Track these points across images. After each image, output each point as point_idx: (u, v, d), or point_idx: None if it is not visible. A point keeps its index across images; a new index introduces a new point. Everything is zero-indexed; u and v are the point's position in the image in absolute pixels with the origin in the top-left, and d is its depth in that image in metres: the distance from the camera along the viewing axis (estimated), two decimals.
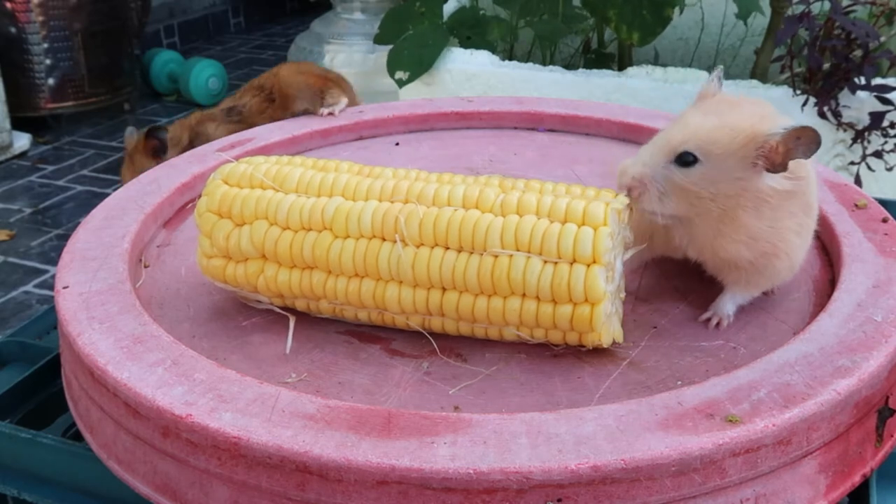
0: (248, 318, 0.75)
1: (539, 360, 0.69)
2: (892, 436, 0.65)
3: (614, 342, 0.69)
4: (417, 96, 2.03)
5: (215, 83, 3.18)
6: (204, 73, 3.14)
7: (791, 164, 0.67)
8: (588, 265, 0.65)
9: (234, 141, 1.05)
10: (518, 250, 0.66)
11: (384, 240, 0.69)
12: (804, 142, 0.65)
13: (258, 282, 0.72)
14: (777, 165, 0.66)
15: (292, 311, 0.74)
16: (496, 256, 0.66)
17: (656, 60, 2.32)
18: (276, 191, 0.71)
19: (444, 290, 0.68)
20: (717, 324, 0.72)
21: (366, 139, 1.13)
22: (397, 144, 1.11)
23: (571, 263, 0.65)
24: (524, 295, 0.67)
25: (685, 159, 0.67)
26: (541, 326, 0.68)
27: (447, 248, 0.68)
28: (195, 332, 0.73)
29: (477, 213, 0.68)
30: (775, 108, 0.73)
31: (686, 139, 0.68)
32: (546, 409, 0.60)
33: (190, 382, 0.61)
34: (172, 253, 0.85)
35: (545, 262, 0.66)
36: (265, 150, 1.04)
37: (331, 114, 1.14)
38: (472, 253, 0.67)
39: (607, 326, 0.67)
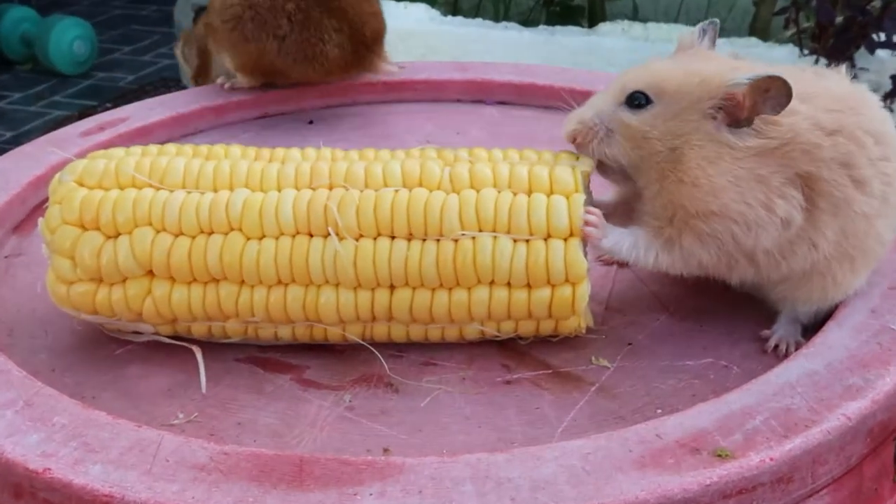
0: (122, 345, 0.74)
1: (489, 388, 0.70)
2: None
3: (590, 362, 0.72)
4: None
5: (82, 47, 3.13)
6: (67, 35, 3.10)
7: (761, 120, 0.69)
8: (565, 239, 0.69)
9: (102, 122, 1.04)
10: (482, 231, 0.68)
11: (312, 235, 0.70)
12: (773, 94, 0.68)
13: (144, 306, 0.72)
14: (741, 121, 0.69)
15: (187, 339, 0.74)
16: (457, 241, 0.69)
17: (635, 15, 2.36)
18: (158, 188, 0.71)
19: (392, 288, 0.70)
20: (784, 349, 0.73)
21: (272, 117, 1.13)
22: (311, 123, 1.11)
23: (546, 239, 0.69)
24: (492, 283, 0.70)
25: (636, 100, 0.71)
26: (512, 318, 0.71)
27: (394, 238, 0.69)
28: (55, 364, 0.72)
29: (424, 191, 0.70)
30: None
31: (637, 77, 0.72)
32: (497, 449, 0.61)
33: (48, 428, 0.61)
34: (25, 265, 0.84)
35: (515, 241, 0.69)
36: (144, 133, 1.04)
37: (231, 87, 1.14)
38: (425, 240, 0.69)
39: (586, 309, 0.72)
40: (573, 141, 0.74)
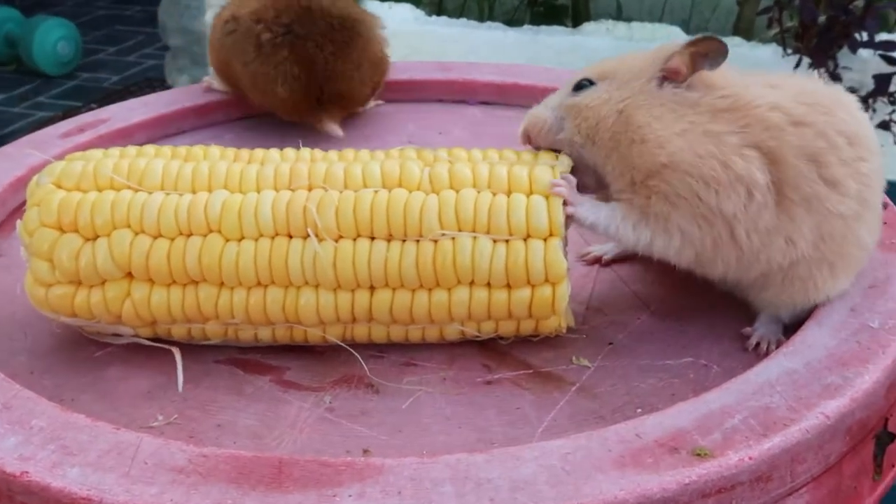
0: (102, 347, 0.74)
1: (469, 389, 0.70)
2: (893, 466, 0.68)
3: (571, 362, 0.72)
4: None
5: (66, 48, 3.13)
6: (51, 36, 3.09)
7: (703, 77, 0.71)
8: (545, 239, 0.70)
9: (82, 123, 1.04)
10: (462, 231, 0.69)
11: (291, 237, 0.70)
12: (704, 50, 0.70)
13: (123, 308, 0.71)
14: (682, 81, 0.72)
15: (166, 341, 0.74)
16: (436, 241, 0.69)
17: (619, 15, 2.37)
18: (136, 190, 0.71)
19: (372, 289, 0.70)
20: (765, 347, 0.73)
21: (254, 118, 1.12)
22: (292, 123, 1.10)
23: (526, 239, 0.70)
24: (472, 283, 0.70)
25: (580, 86, 0.74)
26: (492, 318, 0.72)
27: (373, 239, 0.69)
28: (34, 366, 0.72)
29: (404, 192, 0.70)
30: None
31: (584, 70, 0.75)
32: (477, 449, 0.61)
33: (26, 431, 0.60)
34: (4, 267, 0.84)
35: (495, 241, 0.69)
36: (125, 134, 1.04)
37: (209, 87, 1.14)
38: (405, 241, 0.69)
39: (567, 309, 0.72)
40: (526, 140, 0.76)
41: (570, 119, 0.74)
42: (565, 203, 0.70)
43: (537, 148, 0.76)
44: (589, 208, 0.72)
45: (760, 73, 0.75)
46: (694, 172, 0.69)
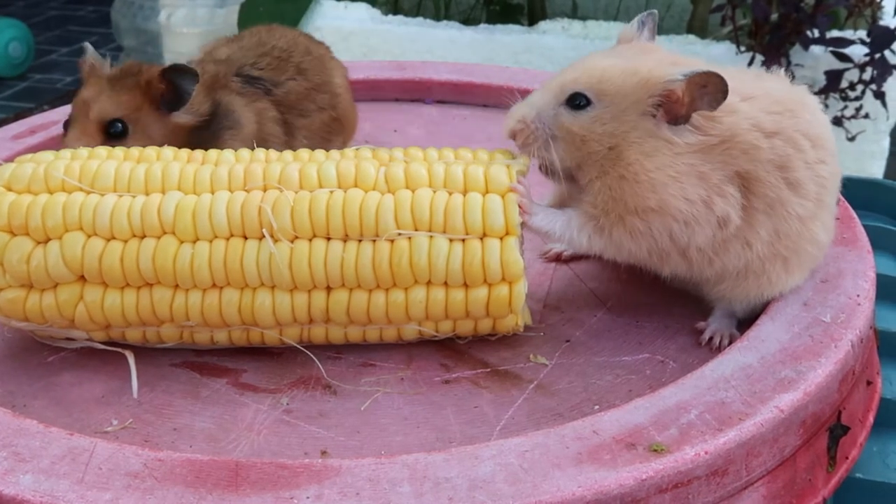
0: (54, 352, 0.73)
1: (427, 388, 0.70)
2: (846, 458, 0.69)
3: (529, 360, 0.73)
4: None
5: (18, 49, 3.08)
6: (2, 37, 3.04)
7: (701, 116, 0.69)
8: (501, 238, 0.70)
9: (33, 125, 1.02)
10: (418, 230, 0.69)
11: (246, 238, 0.69)
12: (710, 90, 0.68)
13: (76, 312, 0.71)
14: (679, 118, 0.70)
15: (121, 345, 0.73)
16: (392, 241, 0.69)
17: (575, 13, 2.37)
18: (88, 192, 0.70)
19: (329, 289, 0.70)
20: (718, 342, 0.74)
21: None
22: None
23: (482, 238, 0.69)
24: (429, 283, 0.70)
25: (576, 101, 0.71)
26: (450, 317, 0.72)
27: (329, 239, 0.69)
28: None
29: (359, 192, 0.70)
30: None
31: (577, 77, 0.72)
32: (435, 449, 0.61)
33: None
34: None
35: (451, 240, 0.69)
36: None
37: None
38: (361, 241, 0.69)
39: (524, 307, 0.72)
40: (513, 138, 0.74)
41: (562, 141, 0.72)
42: (522, 210, 0.70)
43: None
44: (544, 217, 0.72)
45: (733, 74, 0.74)
46: (679, 217, 0.69)
